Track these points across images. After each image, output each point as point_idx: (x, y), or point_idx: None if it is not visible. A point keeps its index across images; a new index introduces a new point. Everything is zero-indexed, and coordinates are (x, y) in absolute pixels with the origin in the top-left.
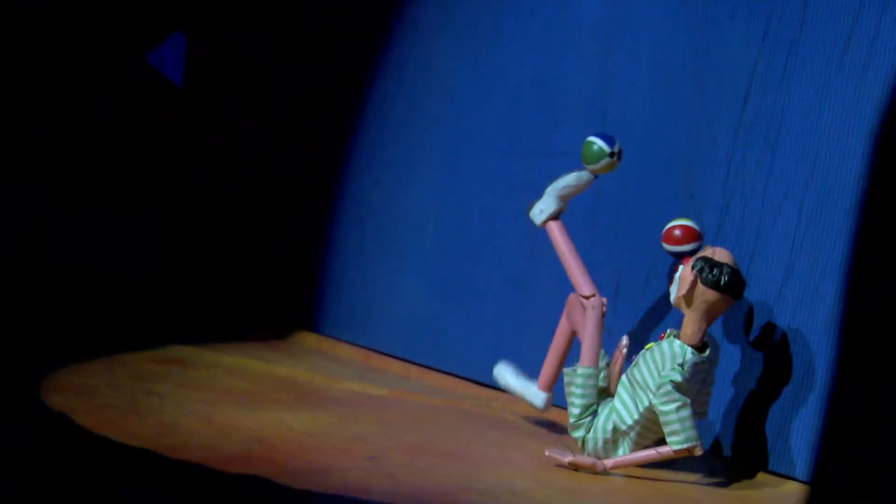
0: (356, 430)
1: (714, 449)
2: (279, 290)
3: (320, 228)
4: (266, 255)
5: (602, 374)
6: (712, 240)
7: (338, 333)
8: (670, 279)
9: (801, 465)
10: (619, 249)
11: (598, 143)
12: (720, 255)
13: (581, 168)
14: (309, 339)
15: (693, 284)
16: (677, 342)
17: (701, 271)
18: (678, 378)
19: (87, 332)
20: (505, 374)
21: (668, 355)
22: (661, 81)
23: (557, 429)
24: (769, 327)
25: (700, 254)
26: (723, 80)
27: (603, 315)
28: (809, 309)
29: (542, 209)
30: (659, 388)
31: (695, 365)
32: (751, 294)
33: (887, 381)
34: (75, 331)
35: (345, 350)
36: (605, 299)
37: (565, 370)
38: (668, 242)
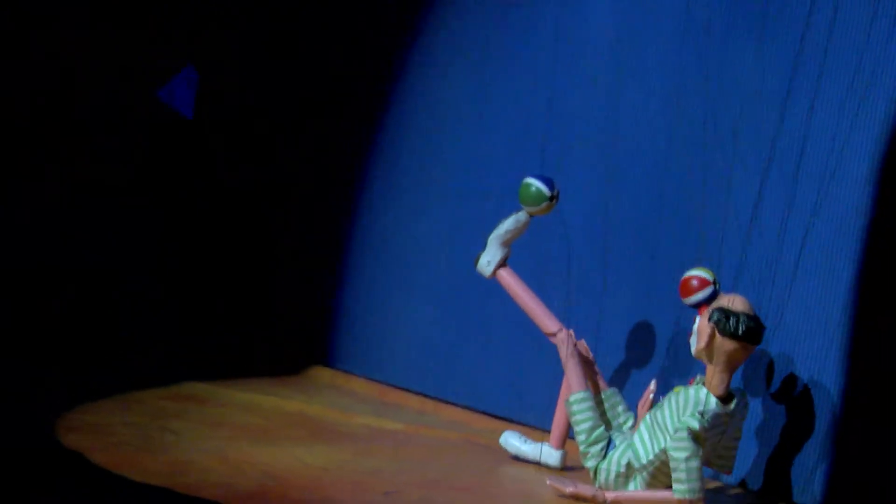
0: (372, 465)
1: (740, 482)
2: (293, 324)
3: (333, 262)
4: (279, 290)
5: (615, 401)
6: (731, 273)
7: (352, 368)
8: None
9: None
10: (633, 283)
11: (537, 184)
12: (737, 303)
13: (518, 209)
14: (323, 373)
15: (711, 336)
16: (703, 390)
17: (718, 322)
18: (696, 425)
19: (88, 333)
20: (513, 440)
21: (692, 402)
22: (673, 110)
23: (572, 463)
24: (790, 374)
25: (716, 303)
26: (737, 108)
27: (574, 344)
28: (830, 345)
29: (489, 260)
30: (676, 431)
31: (716, 416)
32: (769, 333)
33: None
34: (77, 334)
35: (359, 384)
36: (571, 331)
37: (564, 404)
38: (685, 295)
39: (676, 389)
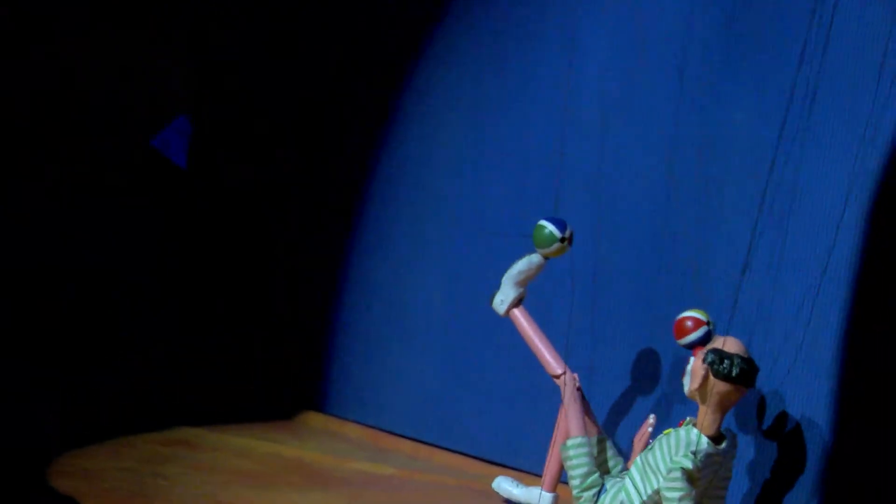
0: None
1: None
2: (286, 369)
3: (327, 307)
4: (272, 335)
5: (605, 445)
6: (725, 313)
7: (345, 413)
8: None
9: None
10: (628, 326)
11: (550, 227)
12: (730, 345)
13: (532, 251)
14: (316, 419)
15: (705, 377)
16: (694, 430)
17: (712, 364)
18: (689, 465)
19: (88, 333)
20: (504, 485)
21: (684, 442)
22: (665, 157)
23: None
24: (781, 412)
25: (710, 345)
26: (731, 154)
27: (578, 388)
28: (821, 386)
29: (502, 299)
30: (669, 472)
31: (708, 456)
32: (762, 373)
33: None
34: (77, 334)
35: (353, 430)
36: (576, 375)
37: (560, 448)
38: (679, 336)
39: (667, 431)
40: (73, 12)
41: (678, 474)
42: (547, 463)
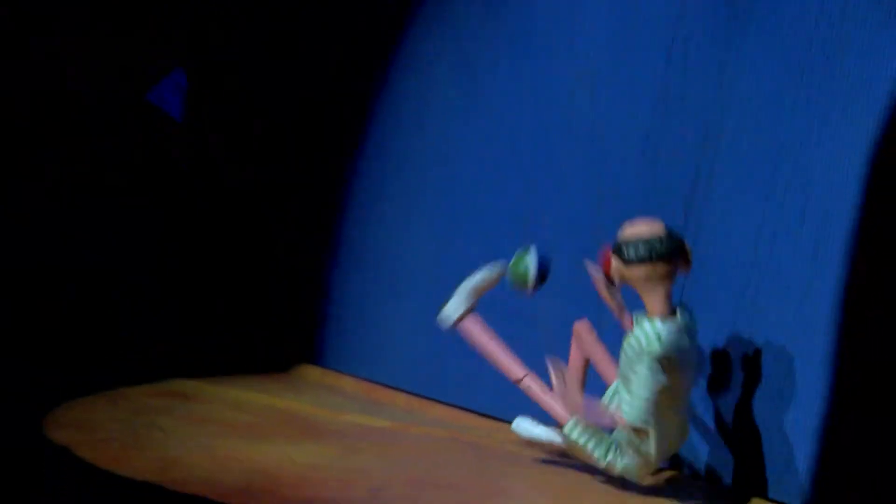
0: (359, 463)
1: (713, 477)
2: (282, 322)
3: (322, 260)
4: (268, 288)
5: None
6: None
7: (341, 366)
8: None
9: (802, 493)
10: None
11: (531, 270)
12: (629, 231)
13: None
14: (312, 371)
15: (619, 270)
16: (645, 320)
17: (619, 255)
18: (658, 350)
19: (88, 333)
20: (525, 425)
21: (642, 336)
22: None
23: (562, 460)
24: (770, 356)
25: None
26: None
27: (543, 382)
28: (811, 337)
29: (455, 309)
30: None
31: (673, 335)
32: (752, 323)
33: (890, 409)
34: (77, 334)
35: (348, 383)
36: (533, 374)
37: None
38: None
39: (626, 339)
40: (73, 12)
41: (647, 365)
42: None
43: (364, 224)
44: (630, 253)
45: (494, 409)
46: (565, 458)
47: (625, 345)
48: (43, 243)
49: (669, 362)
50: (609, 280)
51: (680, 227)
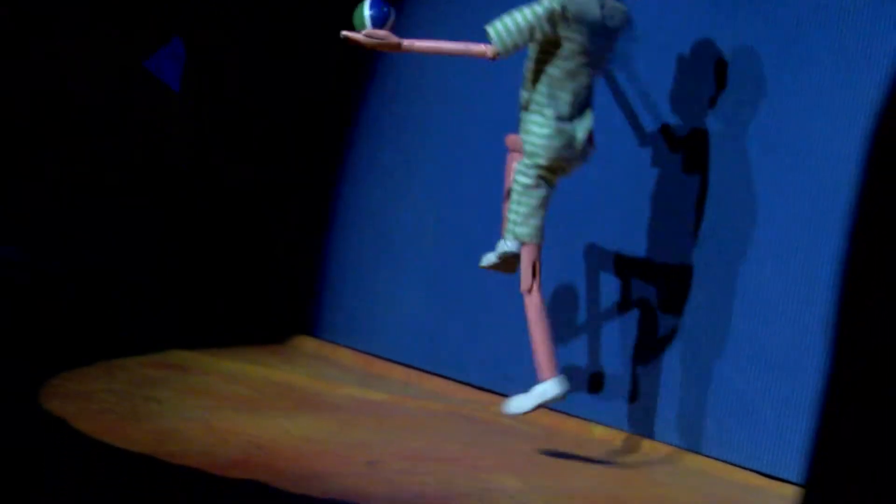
0: (356, 436)
1: (706, 450)
2: (279, 294)
3: (320, 233)
4: (265, 260)
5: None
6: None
7: (338, 338)
8: None
9: (796, 467)
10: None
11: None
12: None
13: None
14: (308, 343)
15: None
16: None
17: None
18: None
19: (85, 331)
20: (513, 401)
21: None
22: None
23: (555, 433)
24: (765, 326)
25: None
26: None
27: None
28: (805, 310)
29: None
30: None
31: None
32: (747, 295)
33: (884, 382)
34: (74, 331)
35: (345, 355)
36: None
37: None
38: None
39: None
40: (73, 12)
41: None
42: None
43: (361, 195)
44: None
45: (491, 383)
46: (561, 432)
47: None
48: (43, 243)
49: (564, 9)
50: None
51: (680, 201)
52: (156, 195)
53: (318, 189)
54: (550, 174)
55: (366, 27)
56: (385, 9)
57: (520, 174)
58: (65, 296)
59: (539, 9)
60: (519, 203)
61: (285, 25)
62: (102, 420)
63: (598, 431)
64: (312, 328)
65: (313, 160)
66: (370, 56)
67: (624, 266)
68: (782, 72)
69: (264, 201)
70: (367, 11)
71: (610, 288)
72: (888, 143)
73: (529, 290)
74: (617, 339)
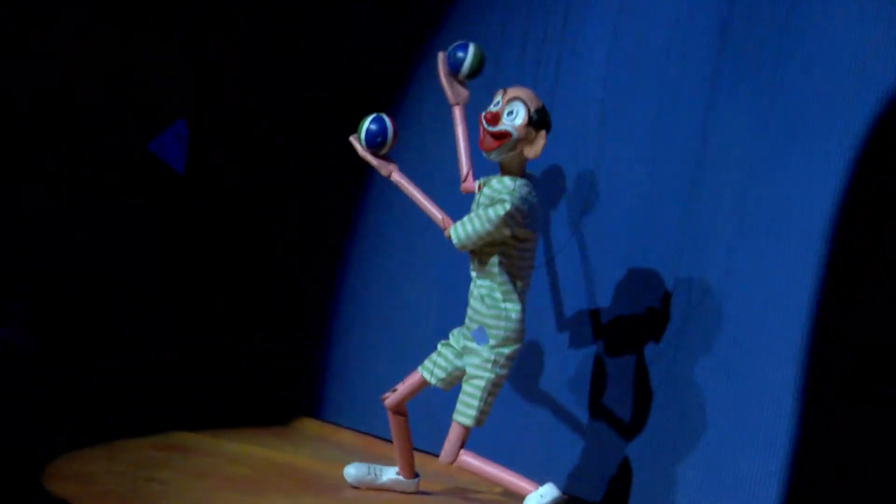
0: None
1: None
2: (281, 375)
3: (323, 314)
4: (268, 341)
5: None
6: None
7: (340, 420)
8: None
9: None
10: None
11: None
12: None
13: None
14: (311, 425)
15: (526, 133)
16: (504, 177)
17: (541, 119)
18: (514, 195)
19: (88, 333)
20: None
21: (501, 186)
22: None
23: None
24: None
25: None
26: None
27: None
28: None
29: None
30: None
31: (528, 187)
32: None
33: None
34: (77, 334)
35: (347, 436)
36: None
37: None
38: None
39: (479, 191)
40: (73, 12)
41: (500, 206)
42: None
43: (364, 277)
44: (548, 121)
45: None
46: None
47: (479, 196)
48: (43, 243)
49: (520, 212)
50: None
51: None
52: (156, 195)
53: (321, 270)
54: None
55: (360, 140)
56: (383, 131)
57: (497, 366)
58: (65, 296)
59: (505, 219)
60: (491, 393)
61: (285, 25)
62: (104, 501)
63: None
64: (314, 409)
65: (316, 180)
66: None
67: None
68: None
69: (265, 203)
70: (365, 124)
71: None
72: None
73: (452, 463)
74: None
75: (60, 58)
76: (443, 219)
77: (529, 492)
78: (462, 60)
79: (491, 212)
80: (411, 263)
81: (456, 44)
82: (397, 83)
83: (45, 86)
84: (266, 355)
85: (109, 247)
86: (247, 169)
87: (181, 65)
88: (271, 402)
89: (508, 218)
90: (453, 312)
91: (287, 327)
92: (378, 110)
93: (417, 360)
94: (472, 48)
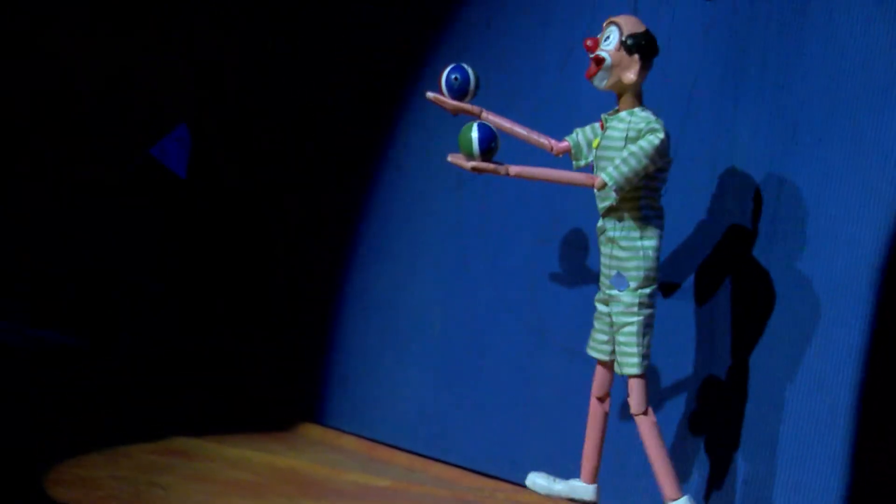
0: None
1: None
2: (282, 379)
3: (325, 319)
4: (268, 344)
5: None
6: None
7: (342, 425)
8: None
9: None
10: None
11: (474, 144)
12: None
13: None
14: (313, 430)
15: (630, 63)
16: (637, 110)
17: (648, 45)
18: (661, 127)
19: (88, 333)
20: (540, 480)
21: (643, 121)
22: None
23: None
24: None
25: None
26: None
27: None
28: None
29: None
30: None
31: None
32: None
33: None
34: (77, 334)
35: (349, 441)
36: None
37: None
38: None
39: (610, 127)
40: (73, 12)
41: (649, 139)
42: (586, 454)
43: (366, 281)
44: (644, 46)
45: (497, 470)
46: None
47: (612, 132)
48: (43, 243)
49: (669, 137)
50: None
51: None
52: (156, 195)
53: (323, 274)
54: None
55: (473, 152)
56: (491, 134)
57: (644, 307)
58: (65, 296)
59: (655, 148)
60: (645, 335)
61: (285, 25)
62: None
63: None
64: (316, 414)
65: (316, 180)
66: (374, 139)
67: None
68: None
69: (265, 203)
70: (475, 134)
71: None
72: None
73: (645, 412)
74: None
75: (60, 58)
76: (587, 177)
77: (671, 498)
78: (466, 79)
79: (645, 144)
80: (414, 265)
81: (447, 72)
82: (397, 83)
83: (45, 86)
84: (267, 358)
85: (109, 247)
86: (247, 169)
87: (181, 65)
88: (273, 406)
89: (663, 146)
90: (456, 315)
91: (288, 330)
92: (378, 110)
93: (420, 365)
94: (464, 66)
